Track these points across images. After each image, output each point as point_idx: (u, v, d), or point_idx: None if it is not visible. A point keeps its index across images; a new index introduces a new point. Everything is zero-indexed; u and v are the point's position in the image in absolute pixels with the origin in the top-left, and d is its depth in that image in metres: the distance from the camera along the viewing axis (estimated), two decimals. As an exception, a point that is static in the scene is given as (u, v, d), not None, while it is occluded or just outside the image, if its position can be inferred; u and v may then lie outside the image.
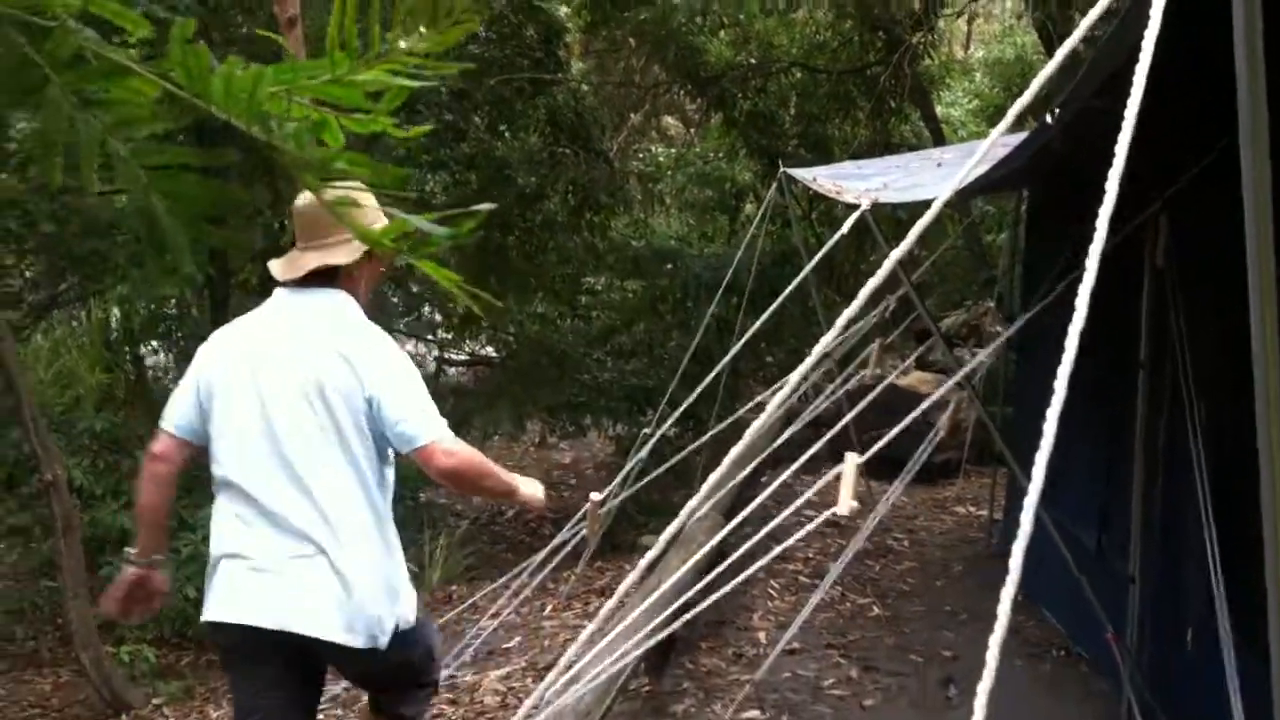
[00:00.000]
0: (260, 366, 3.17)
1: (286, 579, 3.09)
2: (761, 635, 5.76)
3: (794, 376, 2.00)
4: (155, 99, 0.91)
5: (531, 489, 3.38)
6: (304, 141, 0.95)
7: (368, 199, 3.04)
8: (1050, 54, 11.88)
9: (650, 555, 2.07)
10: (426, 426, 3.10)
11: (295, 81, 0.93)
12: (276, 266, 3.31)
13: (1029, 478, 5.14)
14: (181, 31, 0.86)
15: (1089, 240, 4.53)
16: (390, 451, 3.24)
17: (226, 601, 3.18)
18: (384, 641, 3.14)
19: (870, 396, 4.98)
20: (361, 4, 0.93)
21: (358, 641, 3.08)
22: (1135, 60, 1.90)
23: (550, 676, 2.11)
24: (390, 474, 3.32)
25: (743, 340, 5.16)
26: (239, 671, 3.34)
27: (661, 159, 17.02)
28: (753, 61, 14.26)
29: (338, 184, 1.05)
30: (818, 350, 1.88)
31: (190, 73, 0.88)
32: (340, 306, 3.23)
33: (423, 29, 0.97)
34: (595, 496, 4.15)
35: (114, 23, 0.90)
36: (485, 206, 0.97)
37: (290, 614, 3.06)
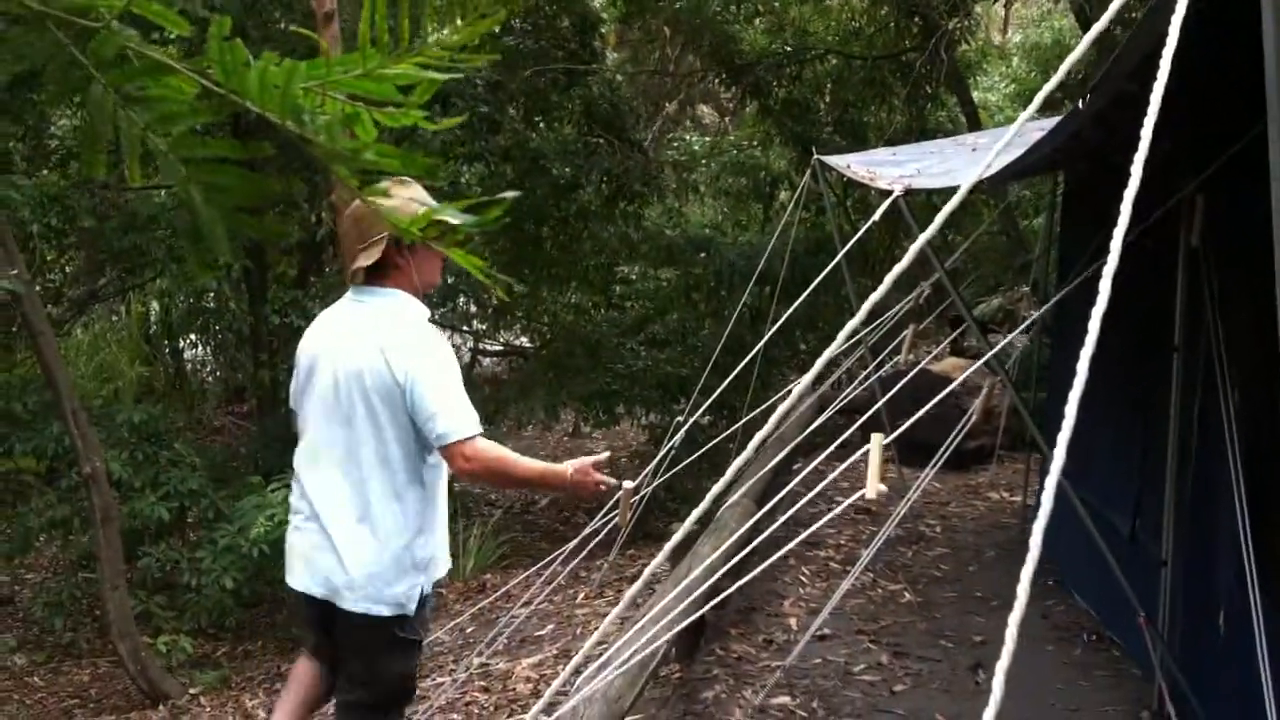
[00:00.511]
0: (322, 357, 3.43)
1: (308, 544, 3.52)
2: (792, 621, 5.78)
3: (821, 360, 2.03)
4: (194, 95, 0.96)
5: (556, 471, 3.50)
6: (336, 134, 0.99)
7: (406, 190, 3.17)
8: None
9: (674, 539, 2.11)
10: (452, 426, 3.26)
11: (328, 76, 0.97)
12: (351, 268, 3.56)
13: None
14: (219, 29, 0.91)
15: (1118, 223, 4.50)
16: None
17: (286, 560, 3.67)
18: (380, 611, 3.41)
19: (902, 382, 5.00)
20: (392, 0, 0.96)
21: (354, 606, 3.40)
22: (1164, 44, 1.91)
23: (575, 659, 2.15)
24: (435, 459, 3.44)
25: (775, 327, 5.18)
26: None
27: (696, 147, 17.02)
28: (788, 49, 14.23)
29: (373, 178, 1.09)
30: (844, 333, 1.91)
31: (227, 69, 0.92)
32: (392, 304, 3.43)
33: (454, 22, 1.01)
34: (628, 484, 4.17)
35: (155, 22, 0.95)
36: (510, 194, 1.01)
37: (308, 576, 3.52)
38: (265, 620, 9.19)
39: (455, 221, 1.02)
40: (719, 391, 5.68)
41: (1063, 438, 1.51)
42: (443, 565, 3.68)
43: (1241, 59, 1.90)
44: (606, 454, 3.63)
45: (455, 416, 3.27)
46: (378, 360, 3.29)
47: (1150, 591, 4.59)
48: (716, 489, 2.05)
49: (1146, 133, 1.69)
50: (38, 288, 9.58)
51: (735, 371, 5.80)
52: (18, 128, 9.84)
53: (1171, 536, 4.56)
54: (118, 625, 7.27)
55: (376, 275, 3.44)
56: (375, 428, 3.33)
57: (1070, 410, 1.51)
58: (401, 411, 3.31)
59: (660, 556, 2.10)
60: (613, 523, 4.71)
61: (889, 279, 1.90)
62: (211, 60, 0.92)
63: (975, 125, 13.44)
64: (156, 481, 8.58)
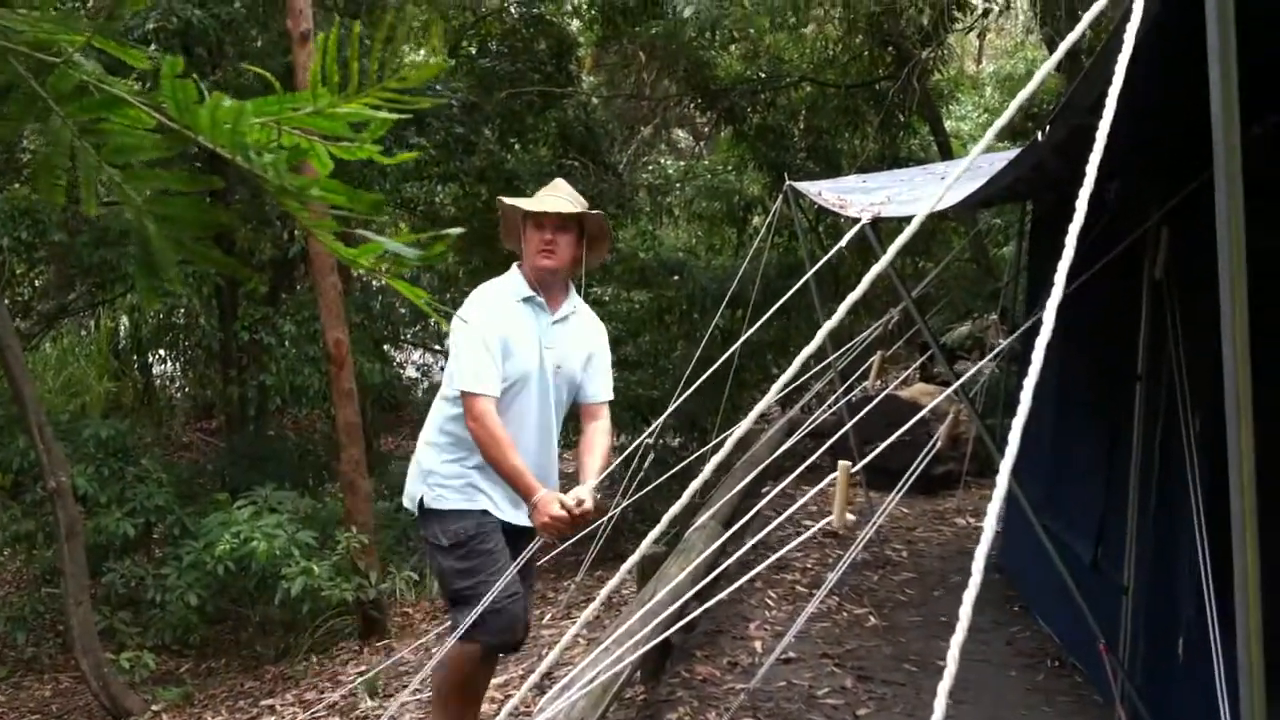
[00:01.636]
0: None
1: None
2: (758, 644, 5.79)
3: (780, 381, 2.05)
4: (151, 128, 0.98)
5: (527, 486, 3.92)
6: (281, 170, 1.02)
7: (554, 192, 4.15)
8: (1060, 68, 11.93)
9: (632, 560, 2.13)
10: (456, 379, 4.03)
11: (280, 113, 0.99)
12: None
13: (1026, 491, 5.15)
14: (171, 68, 0.93)
15: (1087, 255, 4.55)
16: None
17: None
18: (405, 503, 4.38)
19: (868, 408, 5.03)
20: (343, 43, 0.99)
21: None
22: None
23: (532, 678, 2.17)
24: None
25: (740, 343, 5.20)
26: None
27: (670, 171, 17.08)
28: (762, 75, 14.33)
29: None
30: (801, 356, 1.93)
31: (179, 105, 0.94)
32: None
33: (409, 57, 1.04)
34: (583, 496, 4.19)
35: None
36: (454, 231, 1.04)
37: None
38: (229, 638, 9.15)
39: (404, 254, 1.04)
40: (671, 409, 5.68)
41: (1006, 463, 1.53)
42: (484, 499, 4.11)
43: (1200, 94, 1.94)
44: (580, 502, 3.88)
45: (459, 372, 4.00)
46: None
47: (1112, 618, 4.63)
48: (673, 510, 2.07)
49: (1091, 169, 1.73)
50: (6, 301, 9.54)
51: (698, 383, 5.81)
52: (-11, 142, 9.81)
53: (1133, 564, 4.61)
54: (81, 641, 7.23)
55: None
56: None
57: (1014, 435, 1.53)
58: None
59: (617, 578, 2.12)
60: (578, 542, 4.73)
61: (845, 305, 1.93)
62: (165, 96, 0.94)
63: (947, 154, 13.56)
64: (123, 497, 8.56)
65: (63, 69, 0.91)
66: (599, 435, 4.24)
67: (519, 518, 4.10)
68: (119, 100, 0.94)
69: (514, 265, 4.24)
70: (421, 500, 4.16)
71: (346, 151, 1.06)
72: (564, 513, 3.85)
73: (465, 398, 3.95)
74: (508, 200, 4.24)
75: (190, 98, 0.94)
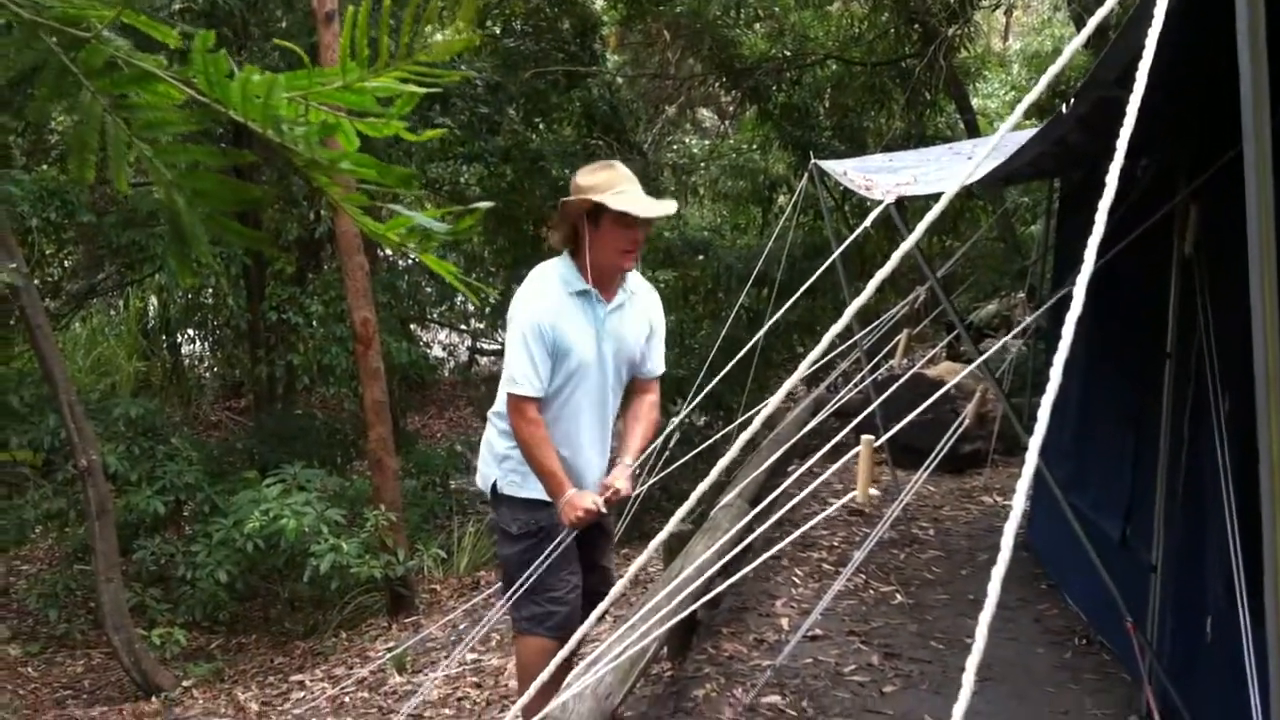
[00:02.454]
0: None
1: None
2: (784, 622, 5.80)
3: (808, 360, 2.05)
4: (183, 103, 0.98)
5: (558, 484, 4.00)
6: (312, 143, 1.02)
7: (607, 172, 3.94)
8: (1087, 45, 11.82)
9: (660, 537, 2.13)
10: (503, 380, 4.07)
11: (309, 88, 1.00)
12: None
13: (1053, 469, 5.13)
14: (203, 41, 0.93)
15: (1115, 231, 4.53)
16: None
17: None
18: (478, 483, 4.40)
19: (894, 386, 5.02)
20: (376, 15, 0.99)
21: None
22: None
23: (561, 653, 2.18)
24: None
25: (768, 325, 5.21)
26: None
27: (695, 151, 17.05)
28: (788, 54, 14.26)
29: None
30: (829, 335, 1.92)
31: (210, 79, 0.94)
32: (537, 271, 4.15)
33: (435, 36, 1.04)
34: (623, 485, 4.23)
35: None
36: (483, 205, 1.04)
37: None
38: (259, 614, 9.23)
39: (432, 228, 1.04)
40: (707, 390, 5.70)
41: (1035, 440, 1.53)
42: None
43: (1229, 67, 1.92)
44: (614, 490, 4.07)
45: (507, 373, 4.01)
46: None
47: (1140, 597, 4.62)
48: (701, 487, 2.07)
49: (1122, 143, 1.71)
50: (36, 282, 9.61)
51: (728, 368, 5.83)
52: (18, 123, 9.87)
53: (1162, 542, 4.59)
54: (112, 617, 7.31)
55: (574, 242, 4.06)
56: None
57: (1044, 412, 1.52)
58: None
59: (646, 554, 2.12)
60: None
61: (872, 284, 1.92)
62: (196, 71, 0.95)
63: (974, 132, 13.47)
64: (152, 475, 8.63)
65: (93, 44, 0.91)
66: (646, 409, 4.25)
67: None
68: (149, 75, 0.95)
69: (563, 256, 4.08)
70: (495, 484, 4.19)
71: (374, 128, 1.06)
72: (593, 505, 3.94)
73: (509, 396, 3.99)
74: (597, 196, 3.89)
75: (222, 72, 0.94)
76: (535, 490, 4.09)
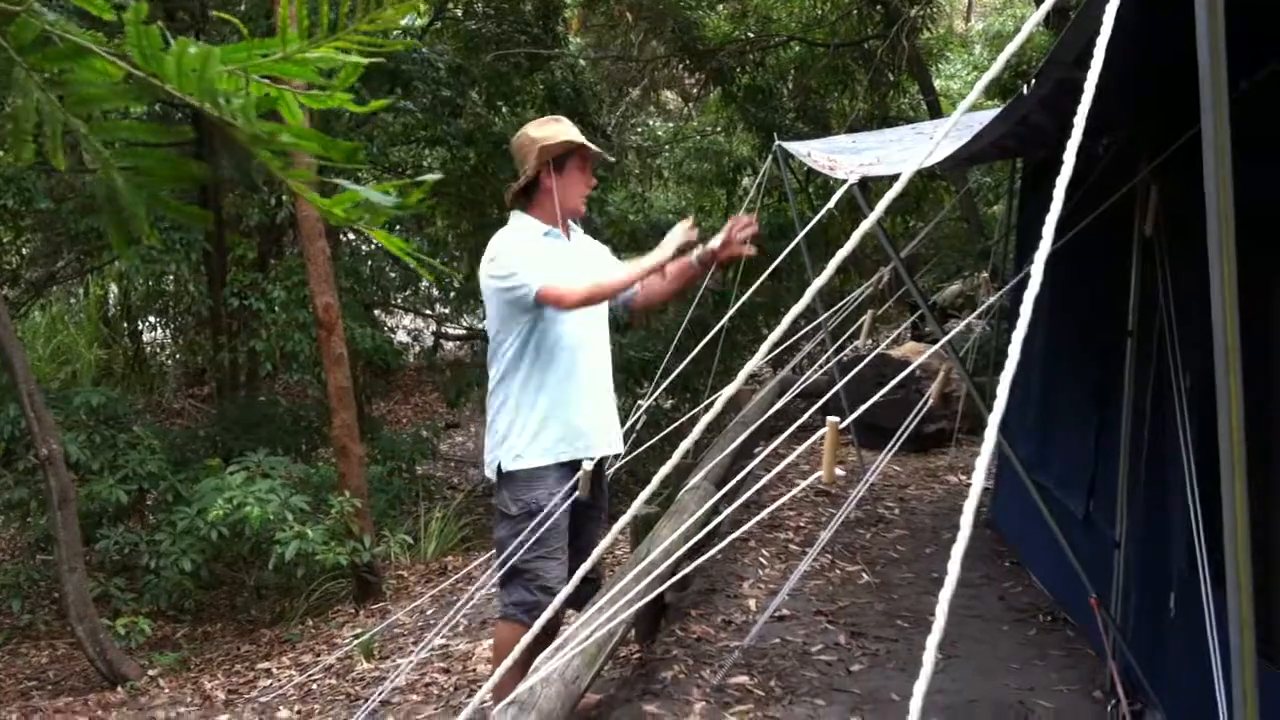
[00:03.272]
0: None
1: None
2: (751, 603, 5.82)
3: (769, 339, 2.04)
4: (120, 79, 0.96)
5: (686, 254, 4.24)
6: (252, 116, 1.00)
7: (552, 126, 4.20)
8: (1048, 25, 11.83)
9: (624, 520, 2.12)
10: (534, 287, 4.05)
11: (248, 60, 0.98)
12: None
13: (1017, 448, 5.15)
14: (135, 13, 0.91)
15: (1076, 210, 4.54)
16: (512, 326, 4.17)
17: None
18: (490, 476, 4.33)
19: (859, 367, 5.03)
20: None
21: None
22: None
23: (526, 636, 2.17)
24: (507, 346, 4.20)
25: (733, 308, 5.21)
26: None
27: (659, 133, 17.03)
28: (751, 35, 14.27)
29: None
30: (790, 315, 1.92)
31: (144, 53, 0.92)
32: (511, 223, 4.28)
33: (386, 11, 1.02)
34: (587, 464, 4.23)
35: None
36: (431, 177, 1.02)
37: None
38: (225, 603, 9.18)
39: (380, 202, 1.03)
40: (679, 369, 5.71)
41: (994, 417, 1.53)
42: (554, 431, 4.18)
43: (1189, 46, 1.92)
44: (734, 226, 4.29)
45: (531, 280, 4.01)
46: (481, 272, 4.25)
47: (1104, 573, 4.65)
48: (664, 470, 2.06)
49: (1080, 121, 1.71)
50: (-6, 270, 9.50)
51: (695, 351, 5.82)
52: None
53: (1125, 519, 4.62)
54: (76, 607, 7.24)
55: (525, 198, 4.25)
56: (490, 331, 4.25)
57: (1003, 388, 1.52)
58: (494, 319, 4.18)
59: (609, 537, 2.12)
60: (571, 501, 4.74)
61: (834, 263, 1.91)
62: (130, 44, 0.92)
63: (937, 113, 13.52)
64: (115, 464, 8.56)
65: (24, 18, 0.89)
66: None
67: (593, 447, 4.23)
68: (84, 50, 0.93)
69: (514, 215, 4.30)
70: (499, 465, 4.23)
71: (317, 100, 1.04)
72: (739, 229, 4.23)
73: (545, 294, 4.00)
74: (564, 136, 4.19)
75: (155, 45, 0.92)
76: (536, 459, 4.16)
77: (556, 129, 4.21)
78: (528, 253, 4.12)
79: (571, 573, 4.13)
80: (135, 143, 1.00)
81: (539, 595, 4.08)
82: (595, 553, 2.28)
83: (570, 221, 4.36)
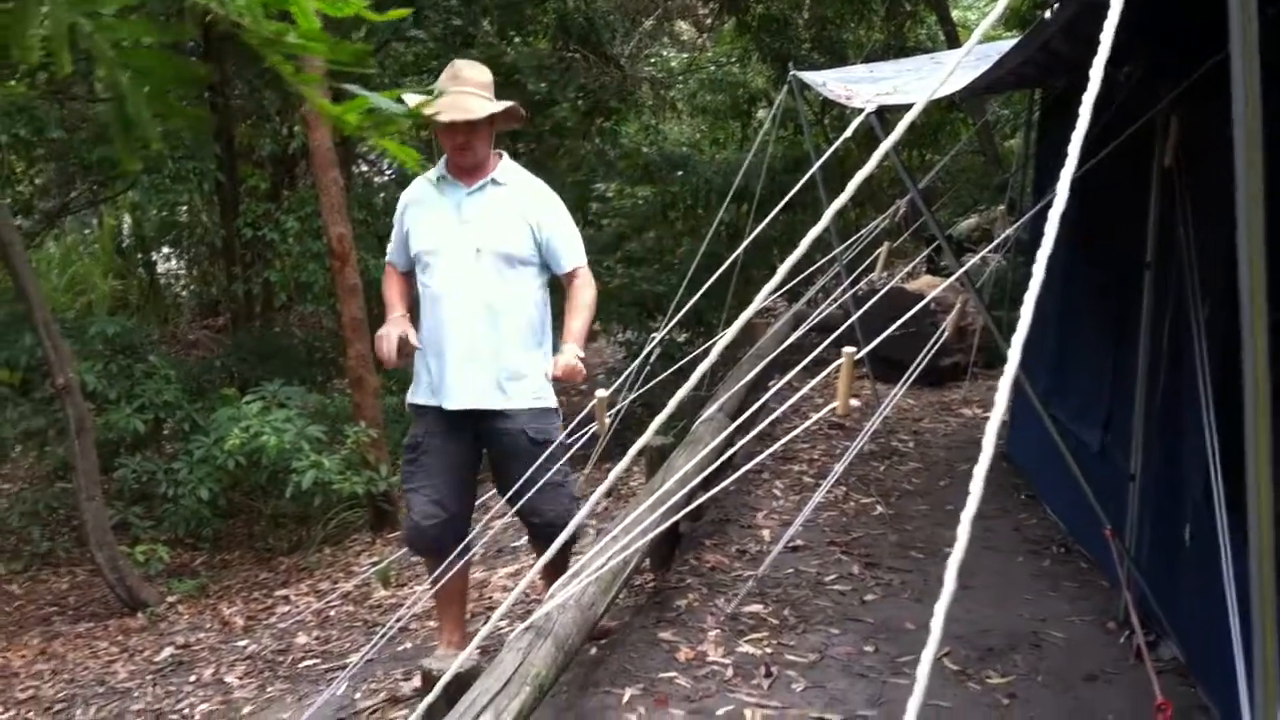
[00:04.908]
0: None
1: None
2: (765, 533, 5.84)
3: (786, 264, 2.02)
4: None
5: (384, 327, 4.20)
6: (258, 14, 0.98)
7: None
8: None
9: (641, 442, 2.12)
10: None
11: (258, -42, 0.95)
12: None
13: (1033, 381, 5.13)
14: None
15: (1095, 142, 4.47)
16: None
17: None
18: None
19: (874, 300, 5.00)
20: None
21: None
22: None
23: (541, 560, 2.17)
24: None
25: (747, 241, 5.18)
26: None
27: (673, 64, 16.87)
28: (765, -39, 14.05)
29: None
30: (808, 238, 1.90)
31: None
32: None
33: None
34: (601, 392, 4.25)
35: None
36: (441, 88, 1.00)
37: None
38: (242, 531, 9.25)
39: (392, 110, 1.01)
40: (692, 302, 5.69)
41: (1017, 341, 1.51)
42: (425, 382, 4.28)
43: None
44: (404, 335, 4.14)
45: (392, 238, 4.39)
46: None
47: (1119, 505, 4.65)
48: (682, 392, 2.05)
49: (1107, 38, 1.67)
50: (7, 199, 9.48)
51: (708, 284, 5.80)
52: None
53: (1140, 451, 4.61)
54: (95, 535, 7.31)
55: None
56: None
57: (1025, 317, 1.50)
58: None
59: (623, 464, 2.11)
60: (589, 435, 4.75)
61: (854, 183, 1.89)
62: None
63: (955, 44, 13.35)
64: (131, 393, 8.59)
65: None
66: (575, 293, 4.32)
67: (448, 398, 4.19)
68: (92, -54, 0.90)
69: None
70: None
71: (332, 6, 1.02)
72: (394, 338, 4.09)
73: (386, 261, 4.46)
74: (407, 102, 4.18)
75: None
76: (411, 396, 4.34)
77: (443, 78, 4.19)
78: (405, 200, 4.34)
79: (519, 516, 4.35)
80: (138, 43, 0.98)
81: (413, 523, 4.30)
82: (602, 487, 2.27)
83: (499, 168, 4.24)
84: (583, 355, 4.23)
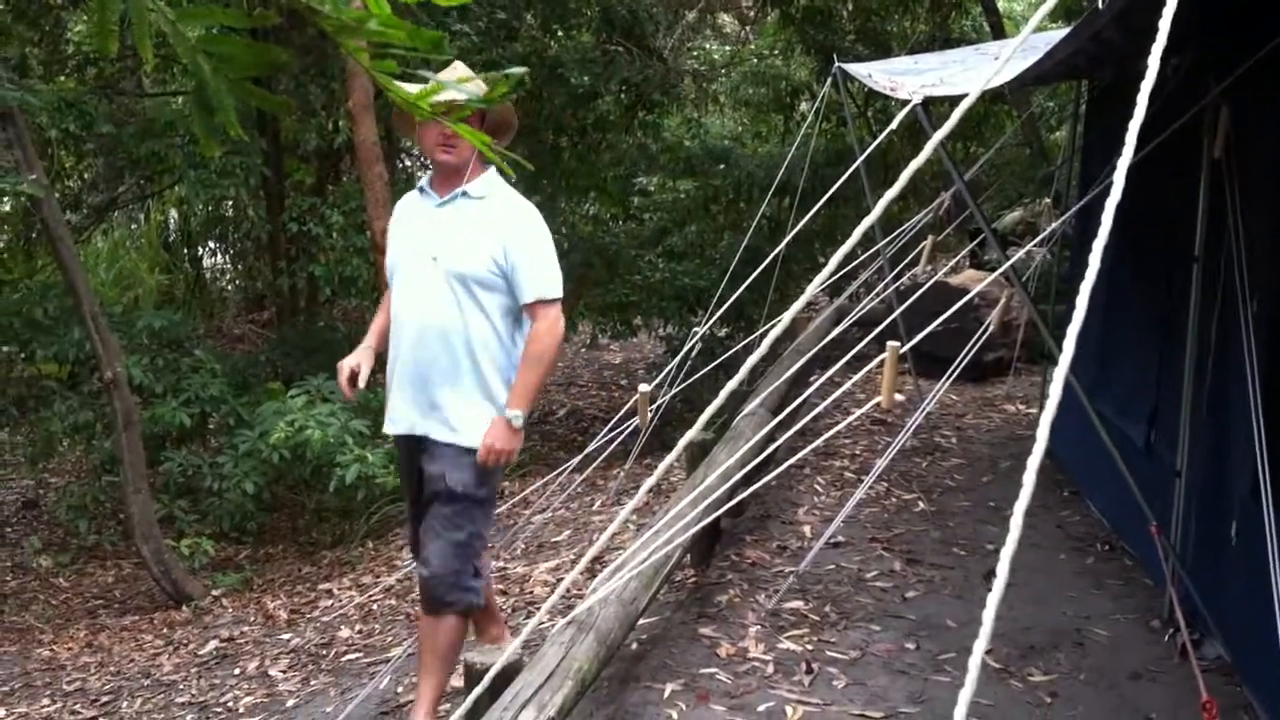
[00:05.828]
0: None
1: None
2: (806, 529, 5.83)
3: (835, 258, 2.02)
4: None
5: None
6: (340, 3, 0.98)
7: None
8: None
9: (687, 438, 2.13)
10: None
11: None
12: None
13: (1078, 375, 5.11)
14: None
15: (1146, 130, 4.45)
16: None
17: None
18: None
19: (918, 294, 4.99)
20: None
21: None
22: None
23: (587, 555, 2.18)
24: None
25: (790, 235, 5.17)
26: None
27: (716, 57, 16.81)
28: (810, -45, 13.98)
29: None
30: (859, 230, 1.90)
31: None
32: None
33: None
34: (644, 388, 4.25)
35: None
36: (517, 70, 1.02)
37: None
38: (286, 525, 9.33)
39: (460, 98, 1.02)
40: (733, 299, 5.68)
41: (1072, 329, 1.50)
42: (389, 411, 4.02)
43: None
44: (360, 365, 4.00)
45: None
46: None
47: (1164, 502, 4.61)
48: (730, 386, 2.05)
49: (1165, 23, 1.66)
50: (56, 194, 9.59)
51: (750, 279, 5.80)
52: (34, 33, 9.78)
53: (1186, 447, 4.57)
54: (141, 528, 7.39)
55: None
56: None
57: (1079, 309, 1.50)
58: None
59: (666, 462, 2.12)
60: (630, 430, 4.76)
61: (905, 175, 1.87)
62: (214, -71, 0.92)
63: (1000, 35, 13.24)
64: (178, 387, 8.67)
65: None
66: (530, 341, 3.81)
67: (398, 424, 3.96)
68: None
69: None
70: None
71: (402, -8, 1.04)
72: (347, 369, 3.97)
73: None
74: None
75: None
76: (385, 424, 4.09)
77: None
78: (394, 213, 4.14)
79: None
80: (219, 29, 0.99)
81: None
82: (648, 483, 2.27)
83: (478, 181, 3.87)
84: (519, 427, 3.78)
